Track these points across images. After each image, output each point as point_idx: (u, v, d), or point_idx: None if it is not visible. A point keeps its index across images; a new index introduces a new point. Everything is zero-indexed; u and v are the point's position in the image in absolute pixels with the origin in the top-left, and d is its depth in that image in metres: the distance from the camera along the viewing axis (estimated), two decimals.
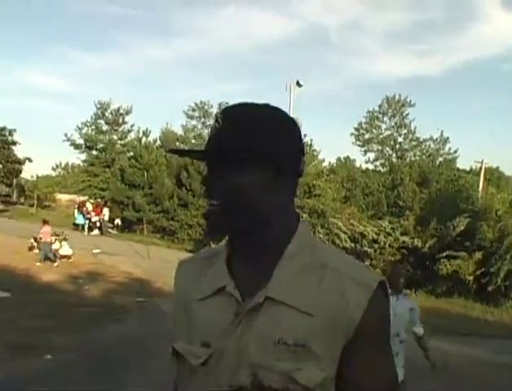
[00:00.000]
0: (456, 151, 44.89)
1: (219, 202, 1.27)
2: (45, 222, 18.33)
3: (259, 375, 1.21)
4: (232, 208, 1.26)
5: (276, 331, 1.21)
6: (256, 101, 1.33)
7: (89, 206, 33.05)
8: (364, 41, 75.07)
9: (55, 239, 18.86)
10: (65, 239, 19.71)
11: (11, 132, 44.14)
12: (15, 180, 46.04)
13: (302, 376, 1.19)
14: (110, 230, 33.33)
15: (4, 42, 77.04)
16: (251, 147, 1.24)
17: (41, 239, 18.03)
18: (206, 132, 44.17)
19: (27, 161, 45.00)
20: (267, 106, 1.33)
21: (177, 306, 1.45)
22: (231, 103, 1.34)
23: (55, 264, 17.42)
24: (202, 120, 47.37)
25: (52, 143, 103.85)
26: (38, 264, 16.93)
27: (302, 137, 1.37)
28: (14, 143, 44.40)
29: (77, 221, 32.58)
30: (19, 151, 44.61)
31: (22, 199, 46.40)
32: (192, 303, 1.36)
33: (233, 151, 1.24)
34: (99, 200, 36.15)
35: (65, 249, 18.91)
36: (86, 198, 39.19)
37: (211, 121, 1.34)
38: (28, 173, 52.46)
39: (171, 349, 1.38)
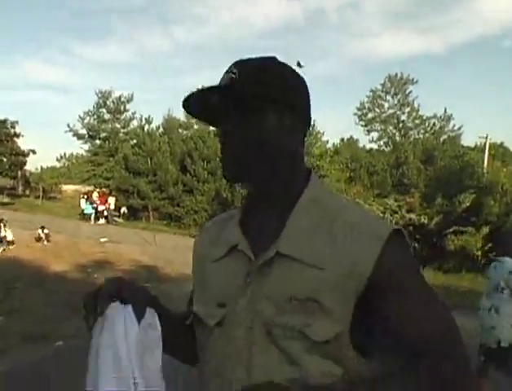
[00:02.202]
0: (460, 128, 44.63)
1: (235, 149, 1.29)
2: None
3: (272, 333, 1.21)
4: (249, 155, 1.28)
5: (288, 287, 1.20)
6: None
7: (95, 195, 33.10)
8: (365, 20, 74.58)
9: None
10: (4, 225, 18.41)
11: (13, 124, 44.14)
12: (19, 172, 46.08)
13: (314, 332, 1.17)
14: (116, 218, 33.43)
15: (5, 36, 76.98)
16: (270, 95, 1.27)
17: None
18: None
19: (31, 153, 45.05)
20: (275, 59, 1.35)
21: (195, 270, 1.47)
22: None
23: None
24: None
25: (55, 135, 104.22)
26: None
27: (308, 90, 1.37)
28: (17, 135, 44.42)
29: (86, 211, 32.66)
30: (22, 144, 44.67)
31: (27, 192, 46.47)
32: (207, 265, 1.38)
33: (252, 97, 1.26)
34: (104, 189, 36.20)
35: (8, 235, 18.06)
36: (91, 188, 39.29)
37: (225, 75, 1.31)
38: (32, 165, 52.68)
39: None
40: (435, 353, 1.16)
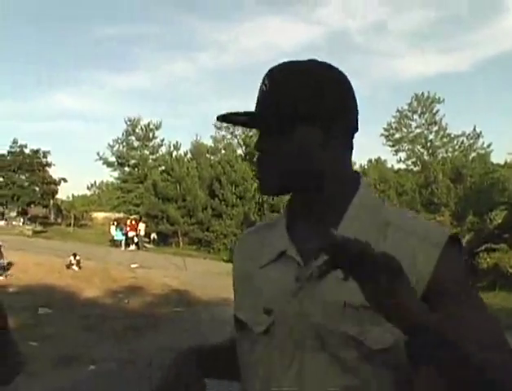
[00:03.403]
0: (489, 146, 44.14)
1: (270, 165, 1.25)
2: None
3: (324, 340, 1.16)
4: (283, 170, 1.23)
5: (341, 294, 1.15)
6: None
7: (129, 223, 33.25)
8: (389, 41, 74.60)
9: None
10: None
11: (45, 154, 45.03)
12: (51, 201, 46.80)
13: (371, 340, 1.13)
14: (146, 244, 33.62)
15: (35, 68, 78.89)
16: (299, 108, 1.20)
17: None
18: (236, 142, 44.41)
19: (62, 182, 45.80)
20: (313, 62, 1.28)
21: (237, 276, 1.42)
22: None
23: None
24: (231, 130, 47.59)
25: (86, 163, 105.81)
26: None
27: (353, 92, 1.30)
28: (49, 165, 45.24)
29: (116, 238, 32.98)
30: (54, 173, 45.47)
31: (59, 220, 47.12)
32: (253, 271, 1.33)
33: (282, 113, 1.21)
34: (135, 216, 36.52)
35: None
36: (121, 215, 39.67)
37: (260, 86, 1.27)
38: (63, 193, 53.41)
39: (233, 319, 1.34)
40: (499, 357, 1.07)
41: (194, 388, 1.35)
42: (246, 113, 1.26)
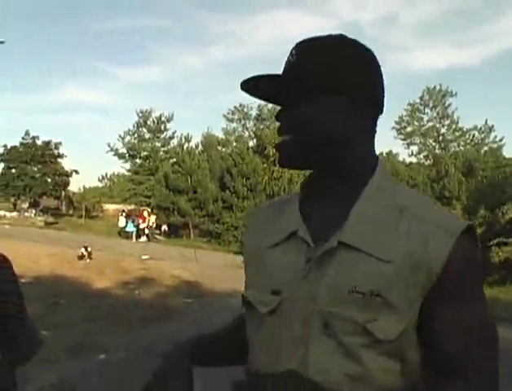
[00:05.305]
0: (501, 140, 43.97)
1: (292, 135, 1.22)
2: None
3: (331, 324, 1.13)
4: (305, 140, 1.20)
5: (350, 278, 1.13)
6: None
7: (145, 213, 33.28)
8: (401, 34, 74.25)
9: None
10: None
11: (56, 145, 45.21)
12: (63, 192, 47.03)
13: (378, 328, 1.10)
14: (157, 236, 33.75)
15: (46, 61, 79.18)
16: (327, 79, 1.18)
17: None
18: (247, 134, 44.41)
19: (74, 173, 45.99)
20: (343, 36, 1.26)
21: (247, 255, 1.39)
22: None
23: None
24: (242, 122, 47.62)
25: (97, 155, 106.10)
26: None
27: (381, 71, 1.28)
28: (60, 156, 45.43)
29: (127, 229, 33.14)
30: (66, 164, 45.67)
31: (71, 211, 47.35)
32: (262, 250, 1.29)
33: (309, 83, 1.19)
34: (147, 208, 36.68)
35: None
36: (132, 206, 39.82)
37: (286, 59, 1.25)
38: (75, 185, 53.67)
39: (241, 298, 1.32)
40: (470, 370, 1.13)
41: (181, 379, 1.36)
42: (270, 75, 1.21)
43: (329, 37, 1.25)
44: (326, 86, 1.19)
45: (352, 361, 1.12)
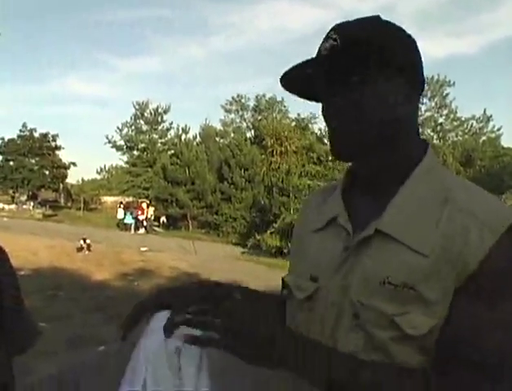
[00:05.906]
0: (499, 129, 43.88)
1: (341, 122, 1.15)
2: None
3: (360, 315, 1.11)
4: (364, 131, 1.14)
5: (384, 268, 1.09)
6: None
7: (144, 205, 33.30)
8: (399, 23, 73.80)
9: None
10: None
11: (54, 137, 45.14)
12: (61, 185, 47.02)
13: (407, 323, 1.06)
14: (155, 228, 33.76)
15: (43, 52, 78.93)
16: (379, 60, 1.11)
17: None
18: (245, 125, 44.33)
19: (72, 166, 45.97)
20: (379, 18, 1.20)
21: (293, 238, 1.37)
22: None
23: None
24: (240, 113, 47.51)
25: (95, 147, 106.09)
26: None
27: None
28: (58, 148, 45.38)
29: (126, 221, 33.16)
30: (63, 157, 45.64)
31: (69, 204, 47.36)
32: (305, 235, 1.29)
33: (359, 65, 1.11)
34: (146, 200, 36.70)
35: None
36: (130, 198, 39.83)
37: (324, 43, 1.14)
38: (73, 177, 53.65)
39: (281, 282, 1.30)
40: (507, 368, 1.04)
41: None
42: (313, 59, 1.15)
43: (366, 18, 1.18)
44: (386, 65, 1.12)
45: (380, 353, 1.09)
